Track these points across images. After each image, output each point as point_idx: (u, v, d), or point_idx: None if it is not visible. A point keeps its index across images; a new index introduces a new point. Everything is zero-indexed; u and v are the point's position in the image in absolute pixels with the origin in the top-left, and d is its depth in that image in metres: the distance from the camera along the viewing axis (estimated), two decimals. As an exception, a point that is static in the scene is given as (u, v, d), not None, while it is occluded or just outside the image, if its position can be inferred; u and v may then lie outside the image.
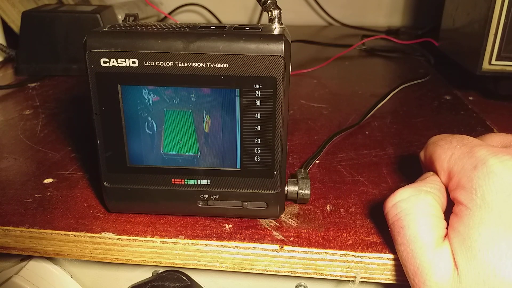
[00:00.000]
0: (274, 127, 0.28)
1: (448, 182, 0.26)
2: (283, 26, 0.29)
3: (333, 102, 0.55)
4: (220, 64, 0.27)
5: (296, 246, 0.29)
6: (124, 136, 0.29)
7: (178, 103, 0.28)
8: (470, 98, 0.57)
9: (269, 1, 0.29)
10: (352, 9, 1.04)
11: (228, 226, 0.31)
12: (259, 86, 0.27)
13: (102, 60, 0.27)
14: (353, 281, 0.29)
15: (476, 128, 0.47)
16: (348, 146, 0.43)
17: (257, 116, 0.28)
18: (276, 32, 0.27)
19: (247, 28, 0.28)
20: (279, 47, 0.26)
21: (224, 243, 0.29)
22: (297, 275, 0.29)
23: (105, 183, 0.30)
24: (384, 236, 0.29)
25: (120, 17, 0.76)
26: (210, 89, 0.28)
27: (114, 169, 0.30)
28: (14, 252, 0.31)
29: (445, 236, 0.25)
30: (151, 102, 0.28)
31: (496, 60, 0.51)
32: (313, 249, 0.29)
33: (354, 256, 0.28)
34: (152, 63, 0.27)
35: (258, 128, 0.28)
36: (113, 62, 0.27)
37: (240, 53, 0.26)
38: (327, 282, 0.33)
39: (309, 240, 0.29)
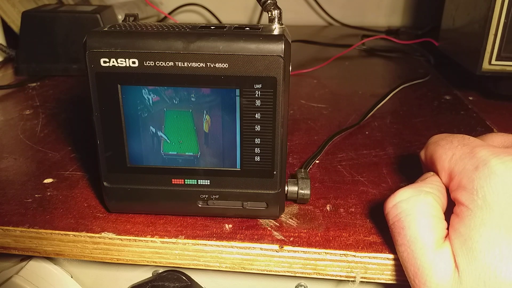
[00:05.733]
0: (274, 127, 0.28)
1: (449, 183, 0.26)
2: (283, 26, 0.29)
3: (333, 102, 0.55)
4: (220, 64, 0.27)
5: (296, 246, 0.29)
6: (124, 136, 0.29)
7: (178, 103, 0.28)
8: (470, 98, 0.57)
9: (269, 1, 0.29)
10: (352, 9, 1.04)
11: (228, 226, 0.31)
12: (259, 86, 0.27)
13: (102, 60, 0.27)
14: (353, 281, 0.29)
15: (476, 128, 0.47)
16: (348, 146, 0.43)
17: (257, 116, 0.28)
18: (276, 32, 0.27)
19: (247, 28, 0.28)
20: (279, 47, 0.26)
21: (224, 243, 0.29)
22: (297, 275, 0.29)
23: (105, 183, 0.30)
24: (384, 236, 0.29)
25: (120, 17, 0.75)
26: (210, 89, 0.28)
27: (114, 169, 0.30)
28: (14, 252, 0.31)
29: (446, 237, 0.25)
30: (151, 102, 0.28)
31: (496, 60, 0.51)
32: (313, 249, 0.29)
33: (354, 256, 0.28)
34: (152, 63, 0.27)
35: (258, 128, 0.28)
36: (113, 62, 0.27)
37: (240, 53, 0.26)
38: (327, 282, 0.33)
39: (309, 240, 0.29)
